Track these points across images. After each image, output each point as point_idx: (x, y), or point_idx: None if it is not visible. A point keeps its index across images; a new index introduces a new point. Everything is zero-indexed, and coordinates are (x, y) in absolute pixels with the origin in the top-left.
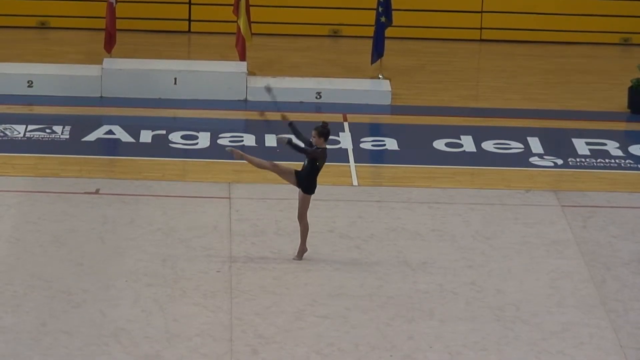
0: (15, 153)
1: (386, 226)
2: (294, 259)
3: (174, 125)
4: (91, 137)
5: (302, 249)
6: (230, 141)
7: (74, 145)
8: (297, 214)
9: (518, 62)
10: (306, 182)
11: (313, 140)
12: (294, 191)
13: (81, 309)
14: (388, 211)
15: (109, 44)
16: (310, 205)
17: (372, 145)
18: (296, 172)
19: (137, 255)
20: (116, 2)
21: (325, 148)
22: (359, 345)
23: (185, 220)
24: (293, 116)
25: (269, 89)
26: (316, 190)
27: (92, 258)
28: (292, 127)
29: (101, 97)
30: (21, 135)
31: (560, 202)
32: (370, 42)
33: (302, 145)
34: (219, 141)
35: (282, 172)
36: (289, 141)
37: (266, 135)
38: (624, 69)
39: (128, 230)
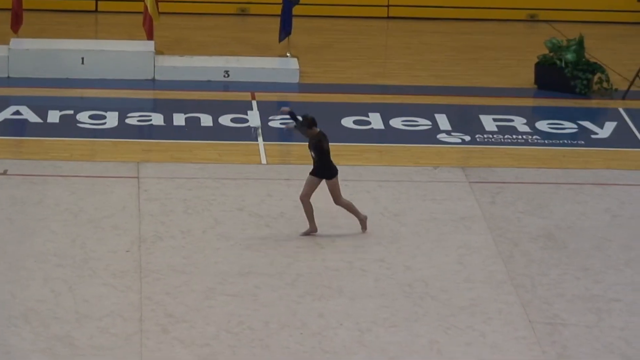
0: None
1: (295, 204)
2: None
3: (81, 105)
4: None
5: (363, 219)
6: (138, 120)
7: None
8: (332, 201)
9: (425, 39)
10: (325, 169)
11: (307, 134)
12: (202, 170)
13: None
14: (297, 189)
15: (16, 24)
16: (316, 187)
17: (281, 124)
18: (311, 173)
19: (46, 236)
20: None
21: (320, 130)
22: (269, 323)
23: (94, 200)
24: (201, 95)
25: (255, 130)
26: (228, 169)
27: (0, 239)
28: (292, 115)
29: (8, 77)
30: None
31: (468, 178)
32: (278, 21)
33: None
34: (127, 120)
35: (312, 187)
36: (295, 126)
37: (174, 115)
38: (531, 45)
39: (37, 210)
